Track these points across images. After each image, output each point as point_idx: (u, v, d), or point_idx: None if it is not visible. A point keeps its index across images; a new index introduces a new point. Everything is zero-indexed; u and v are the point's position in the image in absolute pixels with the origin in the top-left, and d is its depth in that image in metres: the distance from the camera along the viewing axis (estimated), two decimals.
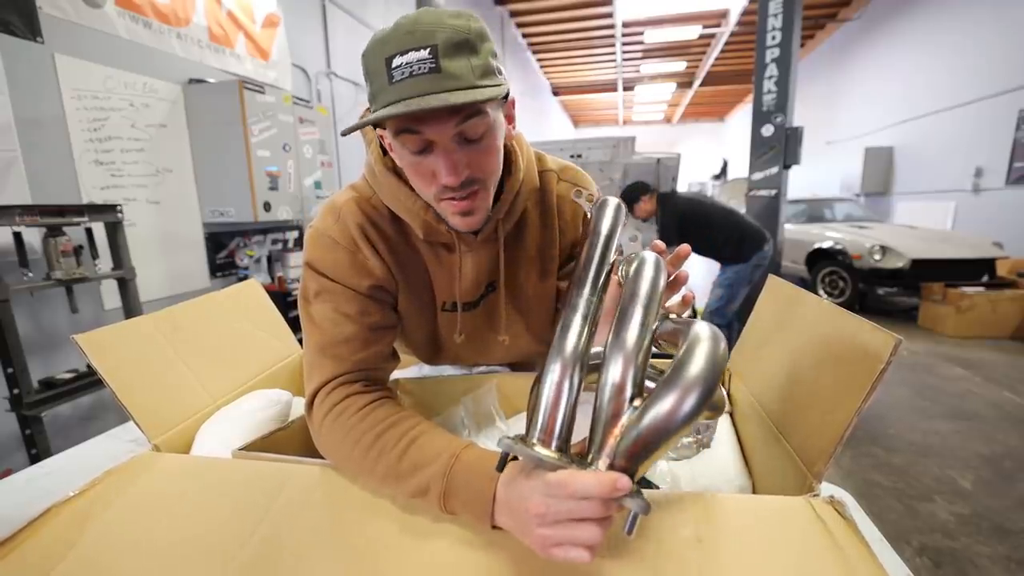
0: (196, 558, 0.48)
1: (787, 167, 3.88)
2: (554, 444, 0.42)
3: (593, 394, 0.43)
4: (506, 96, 0.58)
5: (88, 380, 1.82)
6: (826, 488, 0.52)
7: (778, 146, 3.85)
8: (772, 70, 3.83)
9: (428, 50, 0.47)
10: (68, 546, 0.51)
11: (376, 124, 0.57)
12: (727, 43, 8.61)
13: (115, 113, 2.15)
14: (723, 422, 0.82)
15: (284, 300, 2.76)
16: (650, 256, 0.51)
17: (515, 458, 0.44)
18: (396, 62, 0.48)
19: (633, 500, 0.36)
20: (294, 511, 0.53)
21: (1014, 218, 5.00)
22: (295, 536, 0.50)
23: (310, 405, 0.62)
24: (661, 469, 0.76)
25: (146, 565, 0.48)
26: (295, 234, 3.36)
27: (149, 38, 2.29)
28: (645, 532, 0.47)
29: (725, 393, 0.90)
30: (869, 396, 0.48)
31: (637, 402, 0.40)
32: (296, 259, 3.28)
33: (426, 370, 1.00)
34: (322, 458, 0.62)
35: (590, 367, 0.48)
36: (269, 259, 3.12)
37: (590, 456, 0.41)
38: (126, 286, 1.99)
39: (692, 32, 8.17)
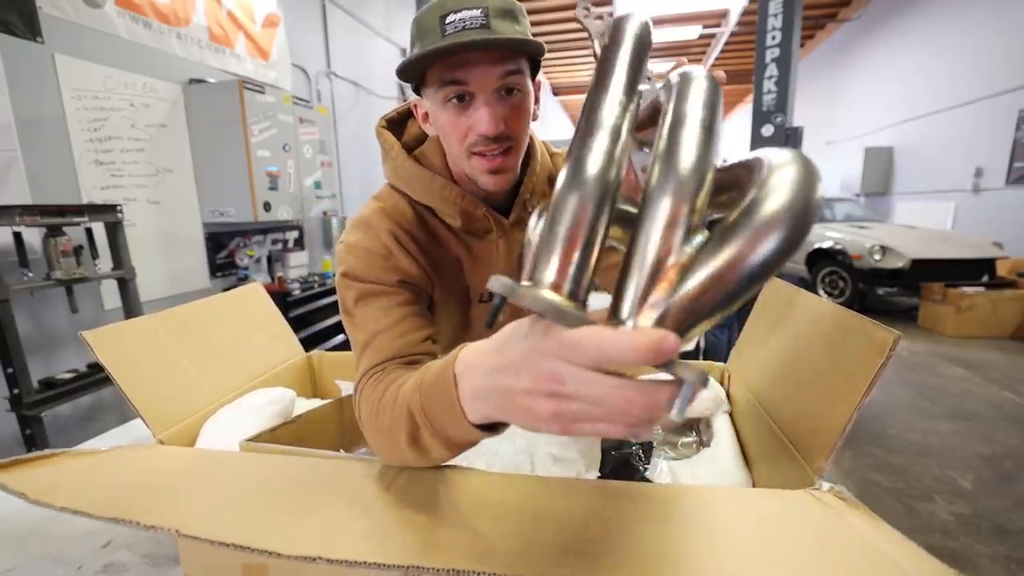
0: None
1: None
2: (567, 289, 0.28)
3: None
4: (538, 67, 0.63)
5: (88, 380, 1.82)
6: (825, 487, 0.52)
7: (778, 146, 3.85)
8: (772, 70, 3.84)
9: (481, 11, 0.54)
10: (72, 473, 0.54)
11: (420, 79, 0.60)
12: (727, 43, 8.61)
13: (115, 113, 2.15)
14: (723, 421, 0.83)
15: (284, 300, 2.76)
16: (697, 70, 0.35)
17: (501, 306, 0.31)
18: (450, 19, 0.54)
19: (687, 369, 0.25)
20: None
21: (1014, 218, 5.00)
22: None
23: (357, 401, 0.60)
24: (661, 469, 0.76)
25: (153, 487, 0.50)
26: (295, 234, 3.37)
27: (149, 38, 2.30)
28: (645, 524, 0.47)
29: (724, 393, 0.90)
30: (870, 390, 0.49)
31: (700, 237, 0.27)
32: (296, 259, 3.29)
33: None
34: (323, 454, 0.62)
35: (619, 218, 0.33)
36: (269, 259, 3.12)
37: (625, 312, 0.26)
38: (126, 286, 1.99)
39: (692, 32, 8.17)
